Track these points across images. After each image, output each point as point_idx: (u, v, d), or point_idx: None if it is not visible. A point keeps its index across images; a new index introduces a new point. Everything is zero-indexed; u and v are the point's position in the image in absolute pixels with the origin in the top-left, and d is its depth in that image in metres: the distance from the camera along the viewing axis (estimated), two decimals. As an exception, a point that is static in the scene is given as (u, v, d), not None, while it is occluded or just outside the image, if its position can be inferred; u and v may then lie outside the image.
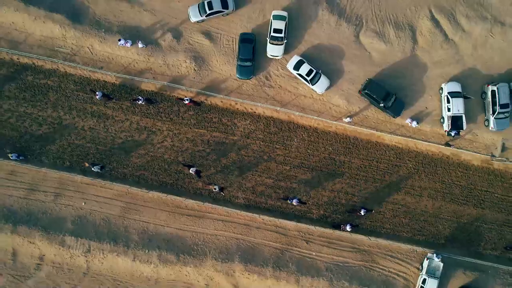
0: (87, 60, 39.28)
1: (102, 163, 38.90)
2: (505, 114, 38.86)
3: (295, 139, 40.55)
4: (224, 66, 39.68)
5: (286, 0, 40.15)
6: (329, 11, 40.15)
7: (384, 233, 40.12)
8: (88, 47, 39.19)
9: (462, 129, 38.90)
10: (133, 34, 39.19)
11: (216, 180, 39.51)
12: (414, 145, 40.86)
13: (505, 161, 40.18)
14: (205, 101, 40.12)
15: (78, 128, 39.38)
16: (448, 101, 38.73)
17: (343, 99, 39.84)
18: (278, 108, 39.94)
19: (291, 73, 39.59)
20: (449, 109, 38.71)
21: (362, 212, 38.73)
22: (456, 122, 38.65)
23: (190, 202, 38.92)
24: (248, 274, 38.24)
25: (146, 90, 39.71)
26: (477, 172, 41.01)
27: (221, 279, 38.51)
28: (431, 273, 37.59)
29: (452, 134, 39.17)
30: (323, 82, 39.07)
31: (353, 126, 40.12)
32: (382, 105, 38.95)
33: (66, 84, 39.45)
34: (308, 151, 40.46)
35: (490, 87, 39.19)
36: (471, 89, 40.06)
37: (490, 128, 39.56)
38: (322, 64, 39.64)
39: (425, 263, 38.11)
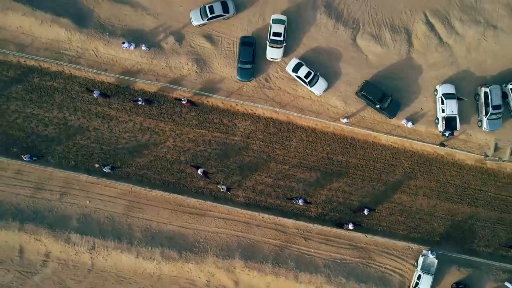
0: (92, 63, 39.76)
1: (112, 163, 39.33)
2: (497, 115, 39.07)
3: (294, 139, 40.90)
4: (225, 69, 40.06)
5: (285, 4, 40.43)
6: (327, 15, 40.44)
7: (381, 230, 40.45)
8: (92, 50, 39.71)
9: (456, 129, 39.07)
10: (136, 37, 39.63)
11: (217, 179, 39.94)
12: (410, 145, 41.13)
13: (498, 161, 40.42)
14: (206, 102, 40.46)
15: (83, 129, 39.93)
16: (443, 103, 38.95)
17: (341, 100, 40.14)
18: (278, 109, 40.25)
19: (290, 75, 39.86)
20: (443, 110, 38.88)
21: (366, 212, 39.05)
22: (450, 122, 38.85)
23: (192, 201, 39.29)
24: (248, 271, 38.61)
25: (149, 92, 40.13)
26: (471, 171, 41.26)
27: (222, 276, 38.88)
28: (426, 269, 37.75)
29: (447, 134, 39.35)
30: (321, 84, 39.34)
31: (350, 127, 40.32)
32: (378, 106, 39.15)
33: (72, 85, 39.98)
34: (307, 151, 40.84)
35: (483, 89, 39.42)
36: (465, 90, 40.25)
37: (483, 129, 39.71)
38: (320, 66, 39.93)
39: (420, 259, 38.30)
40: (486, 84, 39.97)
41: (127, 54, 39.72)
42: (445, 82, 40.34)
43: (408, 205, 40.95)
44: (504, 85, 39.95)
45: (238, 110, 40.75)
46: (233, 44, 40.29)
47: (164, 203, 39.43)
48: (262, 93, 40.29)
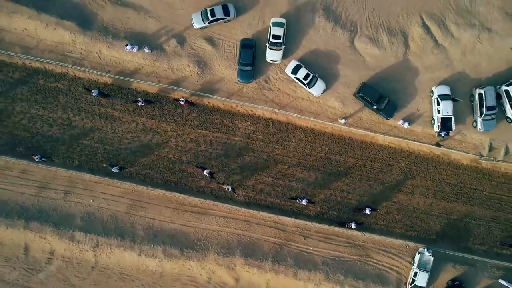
0: (96, 65, 40.17)
1: (121, 164, 39.75)
2: (491, 115, 39.44)
3: (293, 140, 41.29)
4: (225, 70, 40.49)
5: (285, 8, 40.80)
6: (325, 18, 40.84)
7: (378, 229, 40.76)
8: (96, 52, 40.18)
9: (452, 130, 39.38)
10: (139, 40, 40.07)
11: (218, 178, 40.36)
12: (407, 145, 41.46)
13: (493, 160, 40.82)
14: (207, 103, 40.85)
15: (87, 129, 40.38)
16: (438, 104, 39.29)
17: (339, 101, 40.55)
18: (277, 110, 40.63)
19: (289, 77, 40.25)
20: (439, 111, 39.23)
21: (368, 211, 39.42)
22: (445, 123, 39.20)
23: (193, 199, 39.71)
24: (249, 268, 39.05)
25: (152, 93, 40.53)
26: (466, 171, 41.62)
27: (222, 273, 39.30)
28: (422, 266, 38.11)
29: (442, 134, 39.71)
30: (320, 85, 39.72)
31: (348, 127, 40.66)
32: (375, 107, 39.54)
33: (75, 87, 40.43)
34: (306, 151, 41.22)
35: (478, 90, 39.81)
36: (460, 92, 40.62)
37: (478, 129, 40.13)
38: (318, 68, 40.34)
39: (417, 257, 38.61)
40: (480, 86, 40.37)
41: (130, 56, 40.15)
42: (440, 83, 40.64)
43: (405, 203, 41.29)
44: (498, 86, 40.40)
45: (238, 111, 41.18)
46: (234, 47, 40.73)
47: (166, 202, 39.86)
48: (262, 94, 40.72)
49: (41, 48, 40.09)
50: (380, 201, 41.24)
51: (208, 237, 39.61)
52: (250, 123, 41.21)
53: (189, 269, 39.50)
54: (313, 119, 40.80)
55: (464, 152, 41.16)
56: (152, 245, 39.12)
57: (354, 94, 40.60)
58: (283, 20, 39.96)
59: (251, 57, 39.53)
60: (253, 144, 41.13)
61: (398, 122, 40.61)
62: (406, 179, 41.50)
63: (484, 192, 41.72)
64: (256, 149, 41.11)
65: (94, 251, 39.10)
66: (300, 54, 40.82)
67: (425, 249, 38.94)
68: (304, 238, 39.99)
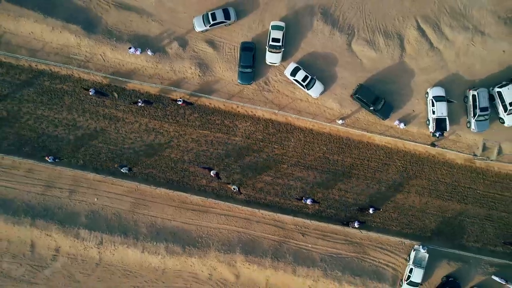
0: (100, 67, 40.84)
1: (130, 165, 40.34)
2: (485, 116, 40.09)
3: (292, 140, 41.86)
4: (226, 72, 41.14)
5: (284, 11, 41.42)
6: (323, 22, 41.45)
7: (375, 226, 41.35)
8: (100, 55, 40.84)
9: (446, 130, 39.98)
10: (142, 43, 40.72)
11: (222, 178, 40.90)
12: (403, 145, 42.08)
13: (486, 160, 41.49)
14: (208, 104, 41.47)
15: (91, 130, 41.04)
16: (433, 105, 39.89)
17: (336, 102, 41.16)
18: (276, 111, 41.23)
19: (288, 78, 40.82)
20: (434, 112, 39.83)
21: (371, 211, 39.99)
22: (440, 124, 39.81)
23: (195, 198, 40.33)
24: (249, 265, 39.66)
25: (154, 95, 41.14)
26: (460, 170, 42.25)
27: (223, 269, 39.90)
28: (417, 263, 38.62)
29: (437, 135, 40.36)
30: (318, 87, 40.32)
31: (345, 128, 41.27)
32: (372, 108, 40.16)
33: (80, 88, 41.04)
34: (304, 150, 41.83)
35: (471, 92, 40.43)
36: (454, 93, 41.23)
37: (472, 130, 40.76)
38: (317, 70, 40.93)
39: (412, 254, 39.18)
40: (474, 87, 41.00)
41: (133, 59, 40.81)
42: (435, 85, 41.26)
43: (401, 202, 41.88)
44: (491, 88, 41.11)
45: (239, 111, 41.79)
46: (234, 49, 41.37)
47: (169, 200, 40.48)
48: (262, 96, 41.35)
49: (47, 51, 40.75)
50: (376, 199, 41.80)
51: (209, 234, 40.20)
52: (250, 123, 41.83)
53: (191, 265, 40.08)
54: (311, 119, 41.38)
55: (459, 152, 41.76)
56: (155, 242, 39.69)
57: (351, 96, 41.16)
58: (282, 24, 40.55)
59: (251, 59, 40.12)
60: (253, 144, 41.71)
61: (394, 122, 41.17)
62: (402, 178, 42.09)
63: (478, 191, 42.34)
64: (256, 149, 41.70)
65: (98, 248, 39.70)
66: (299, 57, 41.41)
67: (421, 246, 39.47)
68: (303, 236, 40.53)
